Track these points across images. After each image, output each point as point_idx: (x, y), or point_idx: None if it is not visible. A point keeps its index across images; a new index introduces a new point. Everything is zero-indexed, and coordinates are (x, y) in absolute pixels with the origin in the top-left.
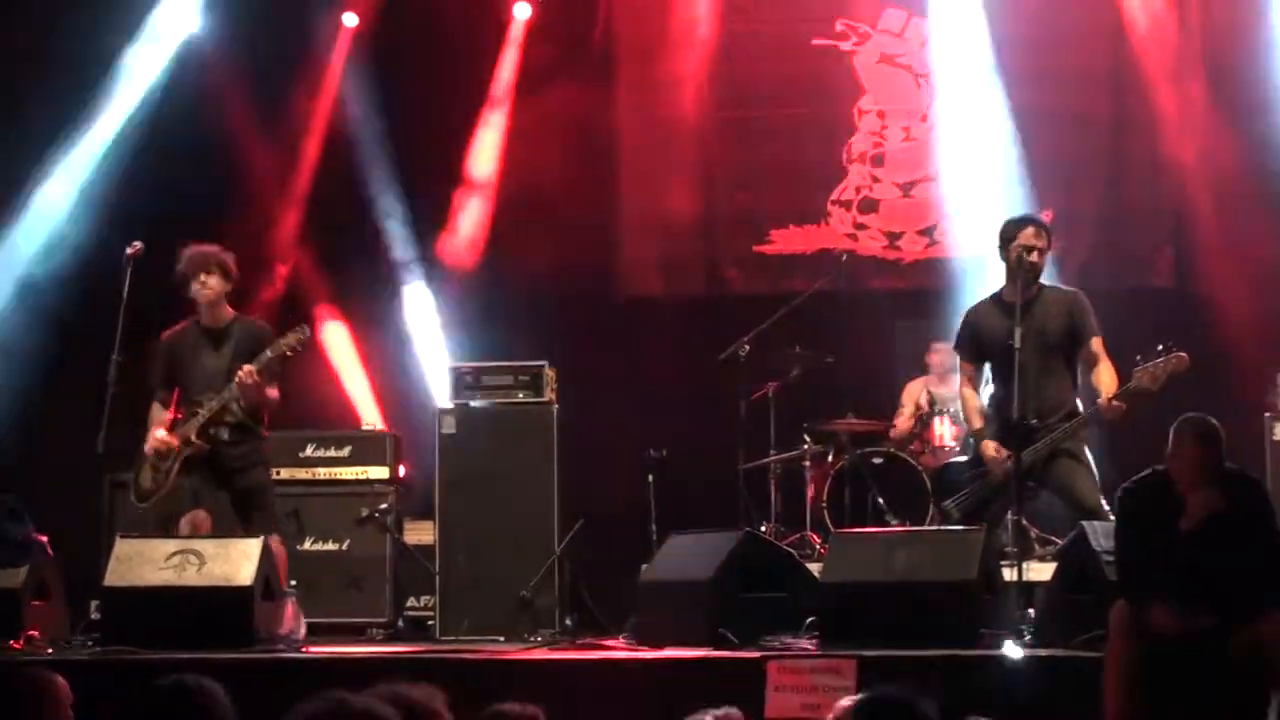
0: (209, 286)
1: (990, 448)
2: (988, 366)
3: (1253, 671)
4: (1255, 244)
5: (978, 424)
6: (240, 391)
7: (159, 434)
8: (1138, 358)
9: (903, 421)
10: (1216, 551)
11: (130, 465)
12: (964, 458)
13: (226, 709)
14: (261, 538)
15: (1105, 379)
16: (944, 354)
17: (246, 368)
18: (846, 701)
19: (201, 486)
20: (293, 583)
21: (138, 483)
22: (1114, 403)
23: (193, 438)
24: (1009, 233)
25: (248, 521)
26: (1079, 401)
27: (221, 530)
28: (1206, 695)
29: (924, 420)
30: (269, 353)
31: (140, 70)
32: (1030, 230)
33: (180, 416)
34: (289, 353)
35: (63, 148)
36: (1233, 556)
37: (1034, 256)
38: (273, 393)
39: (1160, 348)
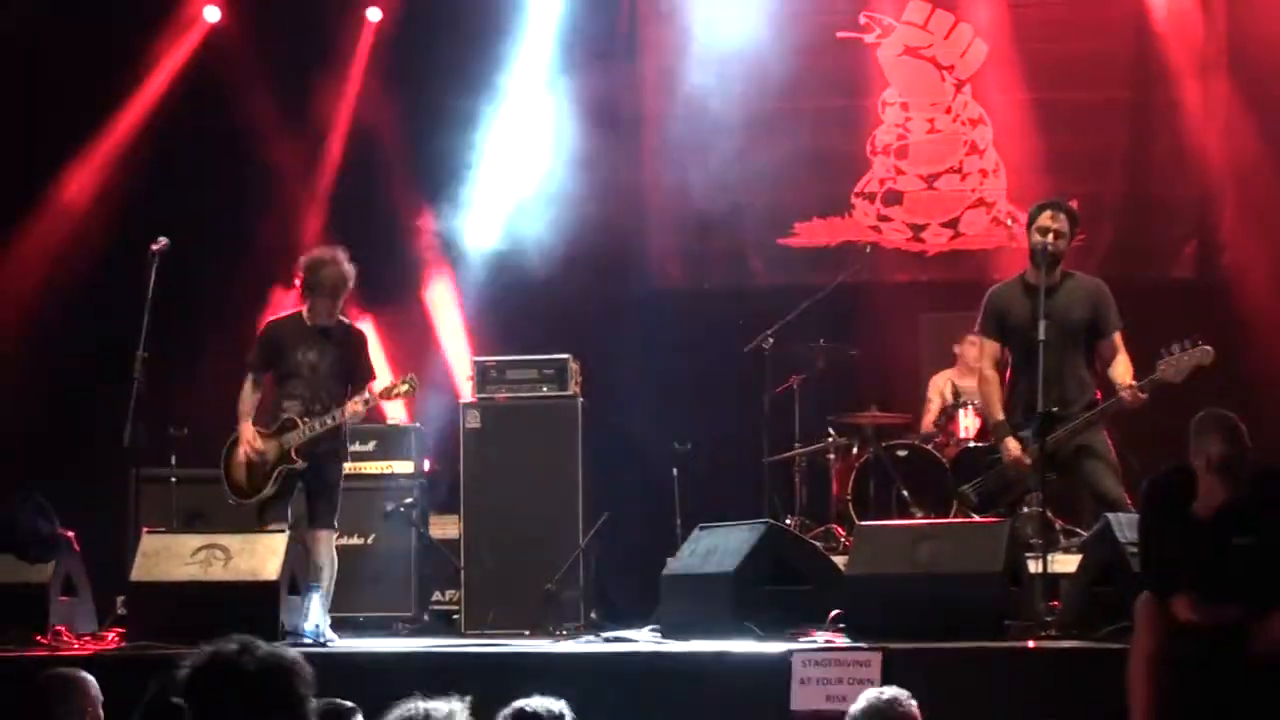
0: (328, 308)
1: (1014, 447)
2: (1004, 351)
3: (1277, 663)
4: (1279, 235)
5: (1000, 415)
6: (348, 418)
7: (255, 442)
8: (1161, 350)
9: (929, 419)
10: (1240, 544)
11: (156, 461)
12: (982, 444)
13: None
14: (287, 532)
15: (1122, 372)
16: (977, 346)
17: (356, 406)
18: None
19: (288, 496)
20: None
21: (231, 476)
22: (1138, 393)
23: (294, 455)
24: (1031, 216)
25: (312, 510)
26: (1097, 392)
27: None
28: (1231, 687)
29: (948, 413)
30: (379, 394)
31: (164, 63)
32: (1048, 213)
33: (274, 405)
34: (396, 397)
35: (87, 141)
36: (1256, 549)
37: (1051, 239)
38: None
39: (1185, 340)
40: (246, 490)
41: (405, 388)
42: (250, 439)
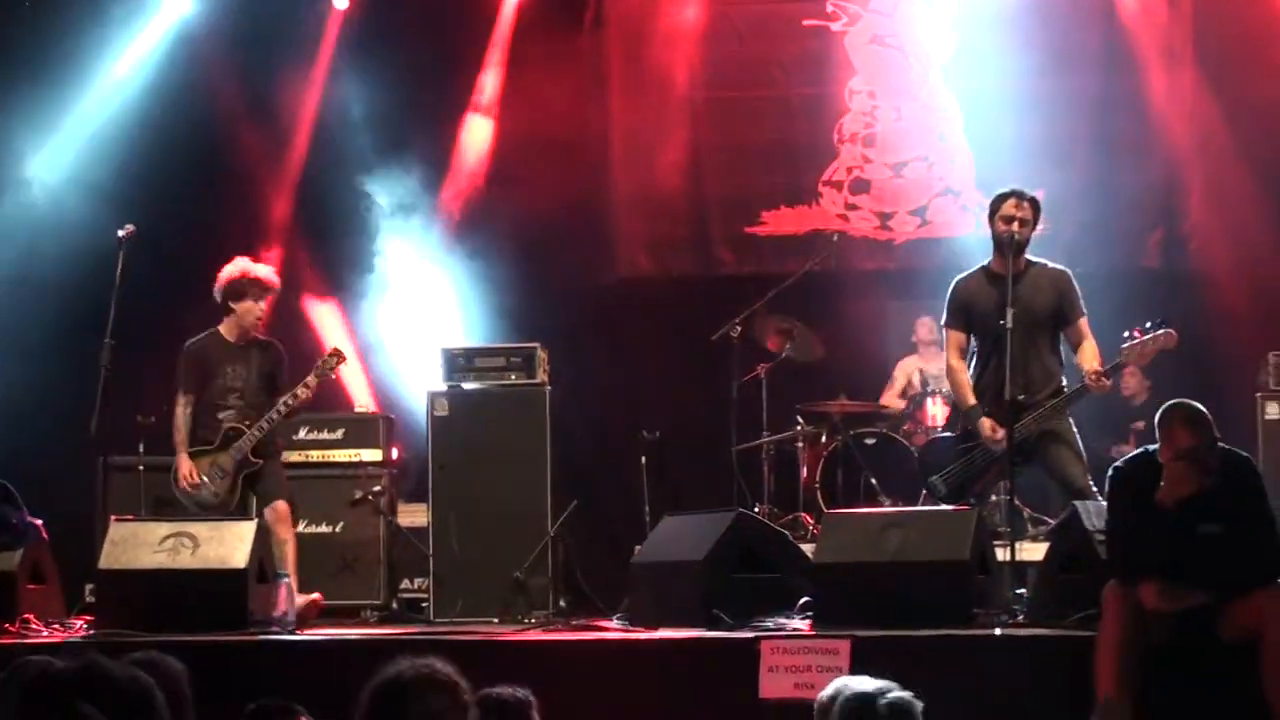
0: (261, 309)
1: (988, 426)
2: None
3: (1243, 649)
4: (1245, 225)
5: (971, 400)
6: (296, 403)
7: (185, 467)
8: (1125, 334)
9: (890, 398)
10: (1206, 531)
11: (124, 449)
12: (950, 433)
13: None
14: (256, 520)
15: (1089, 357)
16: (929, 326)
17: (304, 393)
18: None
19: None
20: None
21: (192, 496)
22: (1102, 379)
23: (251, 458)
24: (993, 205)
25: (263, 490)
26: (1064, 379)
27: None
28: (1198, 673)
29: (916, 401)
30: (315, 374)
31: (132, 52)
32: (1011, 201)
33: (207, 419)
34: (329, 373)
35: (54, 129)
36: (1223, 536)
37: (1015, 226)
38: None
39: (1149, 324)
40: (215, 504)
41: (334, 360)
42: (188, 474)
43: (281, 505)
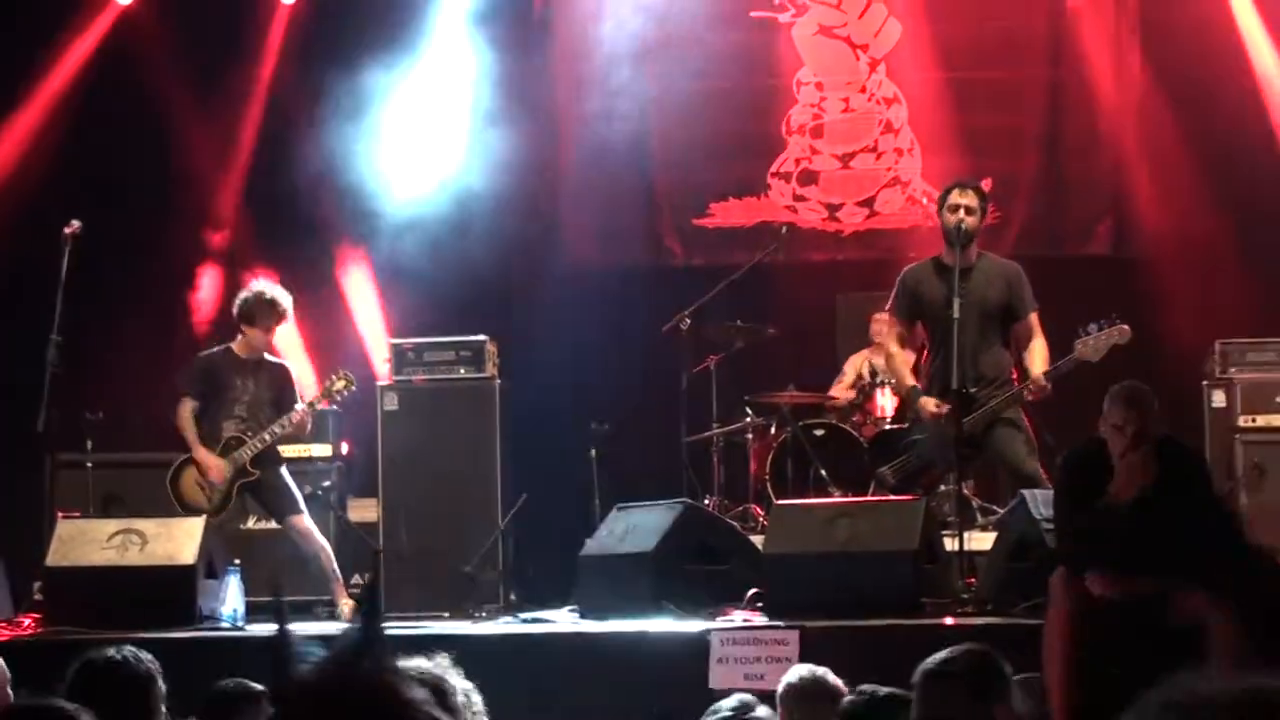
0: (270, 335)
1: (930, 404)
2: (919, 331)
3: (1191, 637)
4: (1192, 213)
5: (910, 381)
6: (295, 429)
7: (214, 461)
8: (1079, 329)
9: (840, 390)
10: (1153, 519)
11: (72, 445)
12: (898, 425)
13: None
14: (204, 517)
15: (1037, 356)
16: (882, 324)
17: (304, 411)
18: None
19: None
20: (236, 561)
21: (184, 497)
22: (1042, 384)
23: (249, 467)
24: (941, 197)
25: (278, 507)
26: (1014, 371)
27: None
28: (1146, 662)
29: (865, 392)
30: (321, 395)
31: (76, 45)
32: (956, 191)
33: (211, 428)
34: (338, 395)
35: None
36: (1169, 524)
37: (961, 214)
38: None
39: (1103, 320)
40: (208, 508)
41: (342, 384)
42: (215, 464)
43: (297, 520)
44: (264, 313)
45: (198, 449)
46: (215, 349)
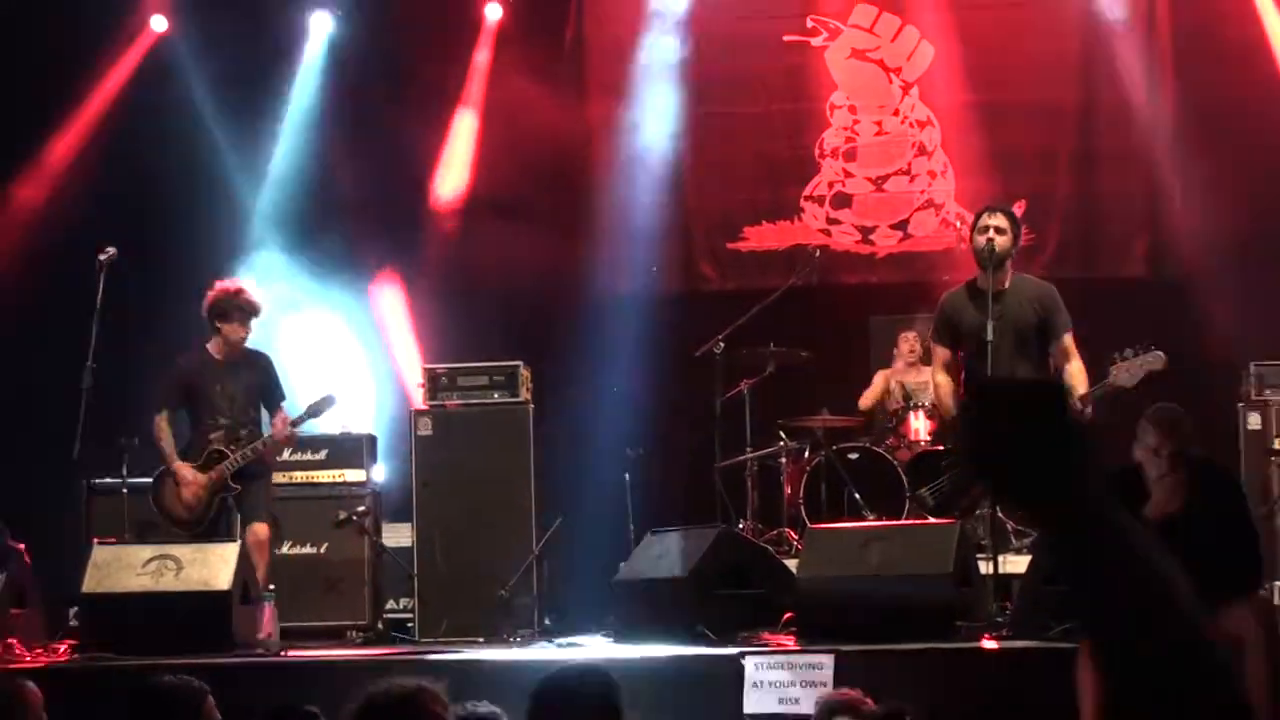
0: (246, 331)
1: None
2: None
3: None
4: (1228, 234)
5: (955, 410)
6: (277, 442)
7: (189, 472)
8: (1115, 355)
9: (866, 397)
10: (1187, 541)
11: (107, 471)
12: (938, 447)
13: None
14: (240, 542)
15: (1075, 378)
16: (911, 341)
17: (287, 431)
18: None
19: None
20: (271, 586)
21: (165, 508)
22: (1086, 410)
23: (230, 482)
24: (973, 220)
25: (251, 518)
26: None
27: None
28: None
29: (899, 415)
30: (308, 415)
31: (113, 74)
32: (986, 213)
33: (196, 439)
34: (317, 415)
35: (35, 150)
36: (1203, 546)
37: (992, 235)
38: None
39: (1138, 345)
40: (189, 521)
41: (327, 406)
42: (192, 479)
43: (258, 528)
44: (238, 309)
45: (174, 463)
46: (191, 352)
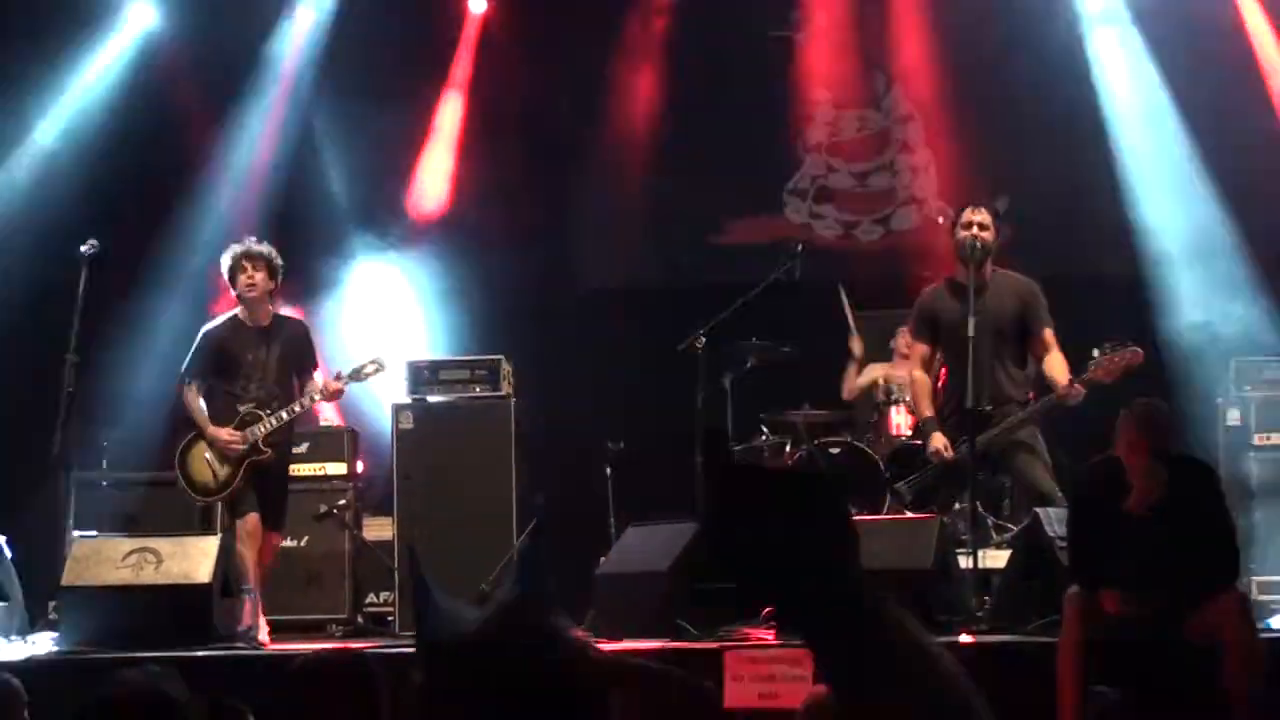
0: (255, 282)
1: (938, 441)
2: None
3: (1203, 652)
4: (1207, 229)
5: (928, 411)
6: (324, 398)
7: (226, 433)
8: (1094, 351)
9: (849, 389)
10: (1166, 535)
11: (88, 465)
12: (917, 441)
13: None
14: (219, 535)
15: (1058, 369)
16: (905, 335)
17: (336, 385)
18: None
19: (254, 488)
20: (248, 584)
21: (190, 477)
22: (1075, 387)
23: (261, 445)
24: (955, 216)
25: (264, 508)
26: (1030, 389)
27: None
28: (1159, 678)
29: (880, 409)
30: (349, 375)
31: (96, 66)
32: (969, 209)
33: (226, 407)
34: (366, 378)
35: (16, 144)
36: (1182, 540)
37: (974, 232)
38: None
39: (1115, 341)
40: (214, 488)
41: (373, 369)
42: (229, 437)
43: (273, 536)
44: (244, 257)
45: (208, 428)
46: (222, 320)
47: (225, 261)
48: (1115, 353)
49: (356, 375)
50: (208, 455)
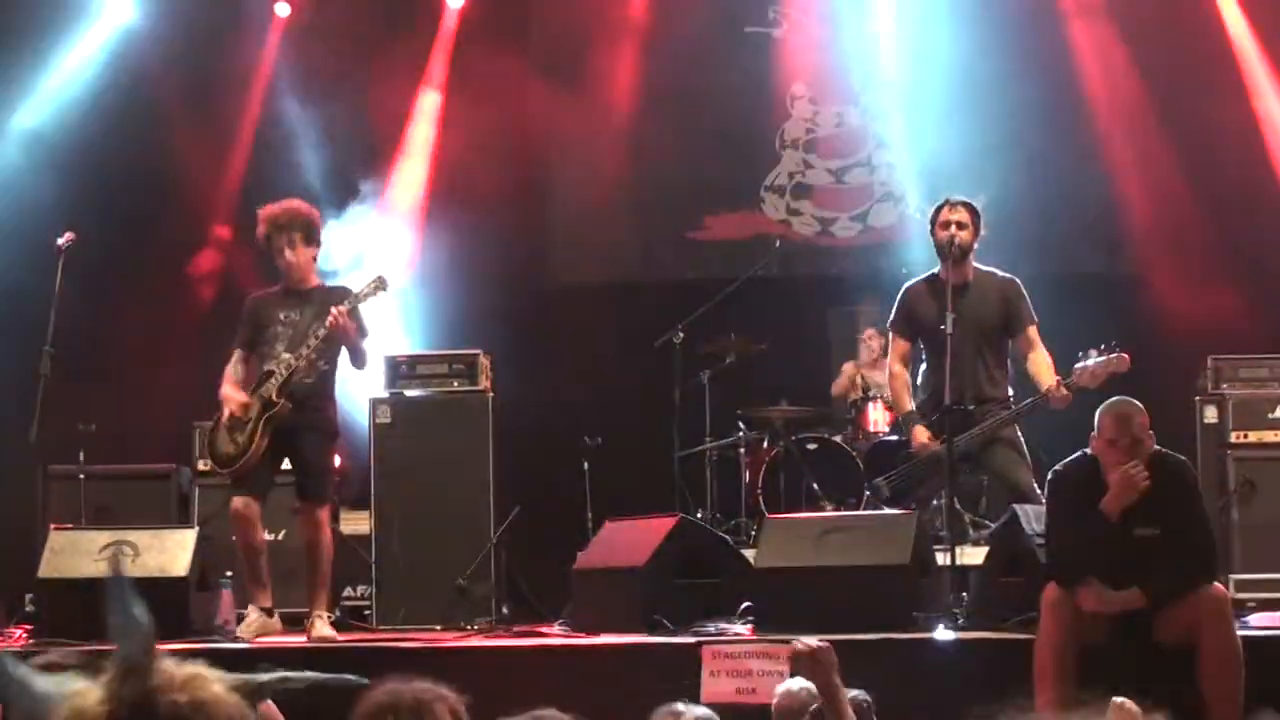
0: (293, 250)
1: (921, 434)
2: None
3: (1180, 650)
4: (1186, 229)
5: (908, 405)
6: (333, 332)
7: (237, 397)
8: (1079, 354)
9: (836, 385)
10: (1144, 534)
11: (64, 457)
12: (895, 437)
13: None
14: (196, 529)
15: (1043, 367)
16: (873, 339)
17: (336, 309)
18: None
19: (271, 462)
20: (228, 573)
21: (216, 450)
22: (1062, 390)
23: (274, 397)
24: (933, 215)
25: (302, 489)
26: (1011, 388)
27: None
28: (1136, 675)
29: (857, 405)
30: (351, 300)
31: (72, 59)
32: (947, 208)
33: (257, 371)
34: (370, 296)
35: None
36: (1158, 537)
37: (952, 230)
38: (364, 343)
39: (1101, 345)
40: (235, 455)
41: (372, 288)
42: (230, 395)
43: (305, 506)
44: (271, 232)
45: (223, 388)
46: (263, 290)
47: (263, 231)
48: (1100, 358)
49: (359, 298)
50: (225, 423)
